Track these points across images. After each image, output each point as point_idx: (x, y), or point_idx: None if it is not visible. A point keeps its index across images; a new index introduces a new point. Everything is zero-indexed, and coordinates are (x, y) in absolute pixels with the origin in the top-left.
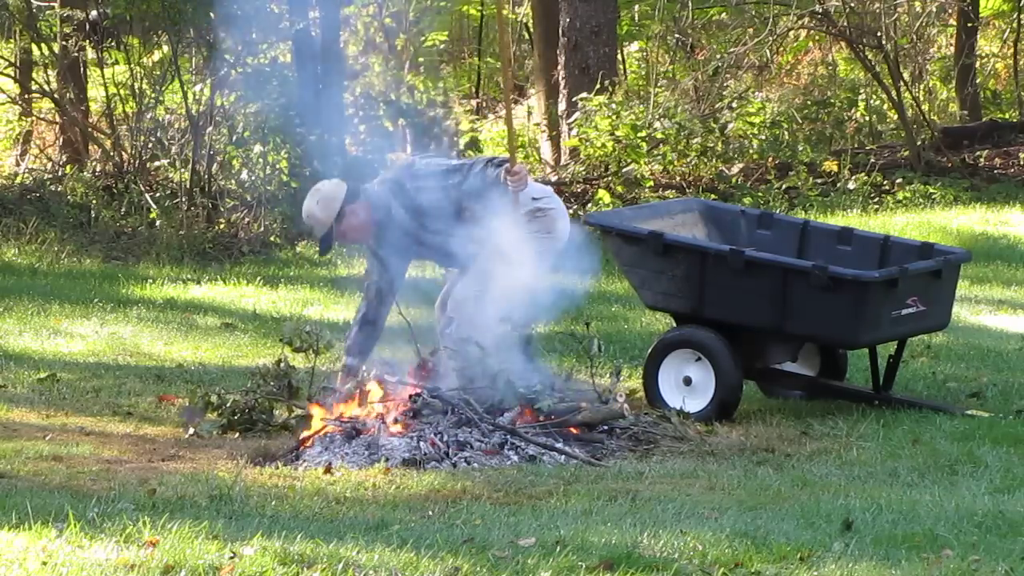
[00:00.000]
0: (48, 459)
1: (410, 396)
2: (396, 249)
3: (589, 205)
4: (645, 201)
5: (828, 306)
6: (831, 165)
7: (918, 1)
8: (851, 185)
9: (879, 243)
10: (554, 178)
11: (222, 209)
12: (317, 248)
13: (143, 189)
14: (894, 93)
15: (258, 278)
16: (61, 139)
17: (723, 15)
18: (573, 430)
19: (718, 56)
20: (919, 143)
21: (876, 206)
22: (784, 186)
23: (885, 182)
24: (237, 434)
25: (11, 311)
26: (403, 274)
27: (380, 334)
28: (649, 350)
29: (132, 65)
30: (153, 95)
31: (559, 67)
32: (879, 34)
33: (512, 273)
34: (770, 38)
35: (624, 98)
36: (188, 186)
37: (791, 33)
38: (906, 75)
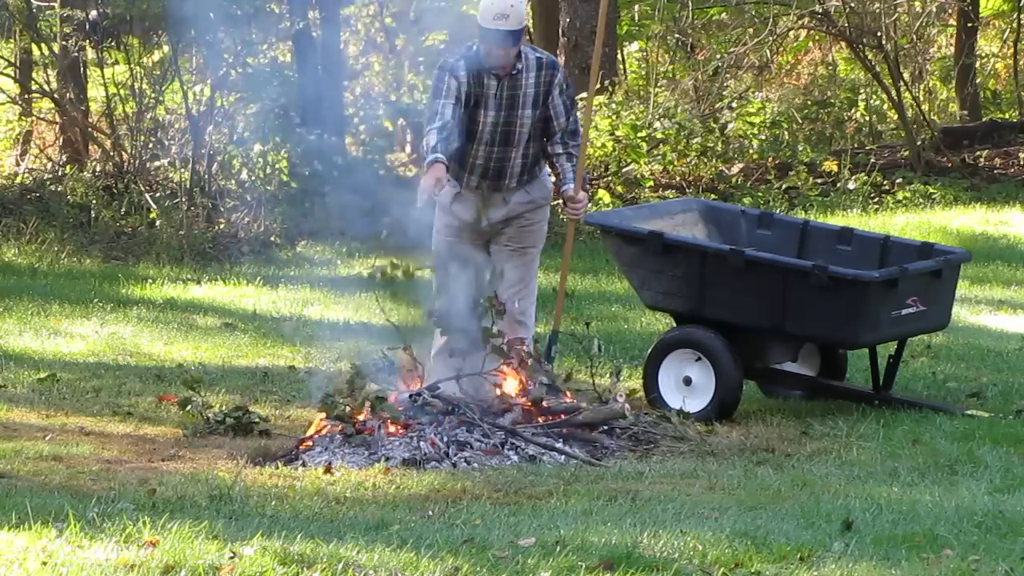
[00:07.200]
0: (48, 459)
1: (410, 396)
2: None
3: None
4: (645, 201)
5: (828, 306)
6: (831, 165)
7: (918, 1)
8: (851, 185)
9: (879, 243)
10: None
11: (222, 209)
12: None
13: (143, 189)
14: (894, 93)
15: (258, 278)
16: (61, 139)
17: (723, 15)
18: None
19: (718, 56)
20: (919, 143)
21: (876, 206)
22: (784, 186)
23: (885, 182)
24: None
25: (11, 311)
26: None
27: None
28: (649, 350)
29: (132, 65)
30: (153, 95)
31: None
32: (879, 34)
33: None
34: (770, 38)
35: (624, 98)
36: (188, 186)
37: (791, 33)
38: (906, 75)
